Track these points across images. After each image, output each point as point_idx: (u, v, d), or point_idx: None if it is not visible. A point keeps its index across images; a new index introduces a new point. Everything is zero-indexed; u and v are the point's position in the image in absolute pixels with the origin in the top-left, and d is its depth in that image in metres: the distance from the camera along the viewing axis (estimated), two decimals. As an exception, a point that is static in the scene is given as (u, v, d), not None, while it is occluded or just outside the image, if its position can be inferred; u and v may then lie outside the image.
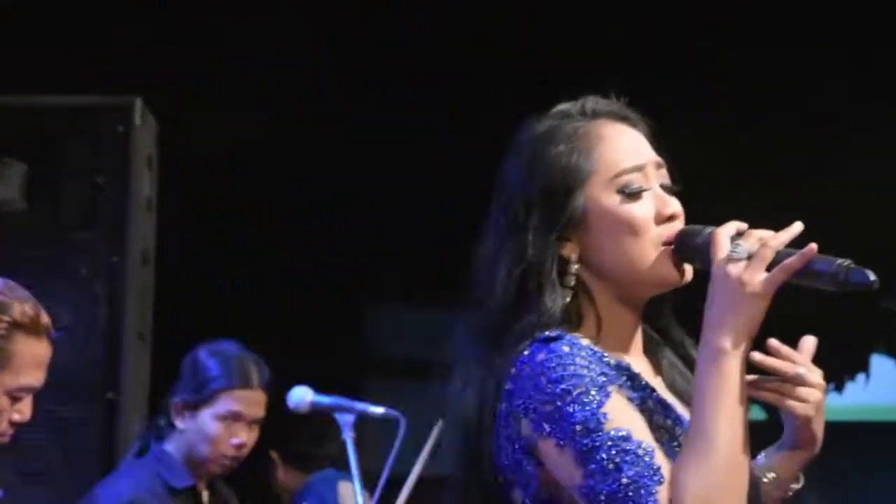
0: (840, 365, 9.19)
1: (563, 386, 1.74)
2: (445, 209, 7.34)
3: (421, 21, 6.16)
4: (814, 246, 1.75)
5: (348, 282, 7.35)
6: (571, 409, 1.73)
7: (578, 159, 1.86)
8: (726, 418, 1.72)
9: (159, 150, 4.39)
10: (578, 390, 1.74)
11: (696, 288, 1.86)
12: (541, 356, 1.77)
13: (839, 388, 9.87)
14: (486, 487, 1.83)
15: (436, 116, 6.50)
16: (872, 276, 1.72)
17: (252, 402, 3.43)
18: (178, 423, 3.41)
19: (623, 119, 1.93)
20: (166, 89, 4.66)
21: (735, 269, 1.76)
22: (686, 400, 1.89)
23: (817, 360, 1.92)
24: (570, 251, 1.86)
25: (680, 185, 1.92)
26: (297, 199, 6.64)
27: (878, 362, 10.28)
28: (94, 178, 4.20)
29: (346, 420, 3.53)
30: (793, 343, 1.88)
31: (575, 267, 1.85)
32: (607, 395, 1.75)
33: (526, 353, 1.79)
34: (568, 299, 1.84)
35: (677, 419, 1.85)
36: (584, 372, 1.76)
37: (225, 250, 6.27)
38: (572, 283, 1.85)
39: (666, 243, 1.86)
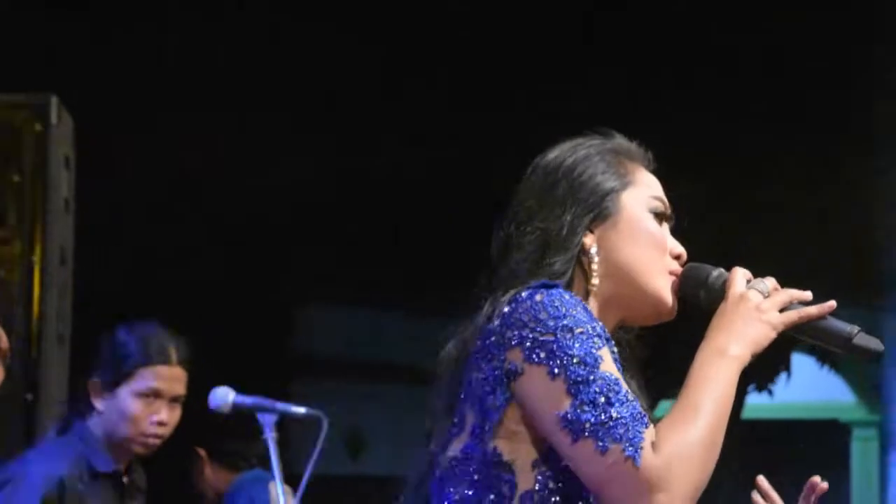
0: (762, 364, 9.27)
1: (565, 322, 1.80)
2: (376, 212, 7.34)
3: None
4: (833, 303, 1.86)
5: (277, 282, 7.31)
6: (571, 342, 1.79)
7: (619, 172, 1.98)
8: (713, 406, 1.80)
9: (76, 150, 4.33)
10: (580, 329, 1.80)
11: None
12: (539, 296, 1.83)
13: (761, 386, 9.99)
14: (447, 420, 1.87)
15: (374, 122, 6.49)
16: (881, 348, 1.82)
17: (172, 378, 3.40)
18: (97, 404, 3.37)
19: (648, 169, 2.04)
20: (82, 88, 4.60)
21: (755, 296, 1.87)
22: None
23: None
24: (592, 241, 1.94)
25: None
26: (224, 199, 6.59)
27: (799, 361, 10.43)
28: (10, 177, 4.12)
29: (268, 420, 3.53)
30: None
31: (593, 255, 1.93)
32: (604, 344, 1.82)
33: (523, 294, 1.84)
34: (583, 284, 1.92)
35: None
36: (584, 318, 1.83)
37: (149, 250, 6.21)
38: (594, 267, 1.93)
39: (672, 272, 1.96)
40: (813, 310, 1.87)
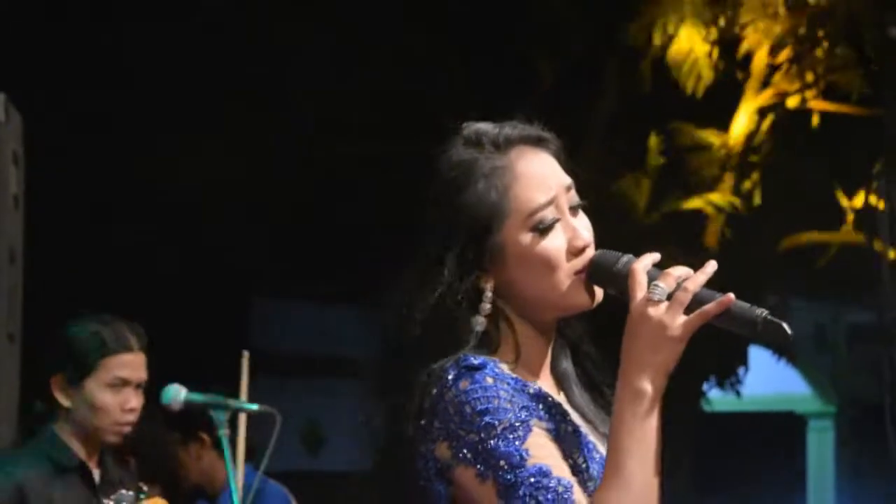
0: (720, 358, 9.34)
1: (487, 419, 1.80)
2: (331, 206, 7.33)
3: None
4: (731, 296, 1.82)
5: (232, 277, 7.28)
6: (495, 443, 1.79)
7: (495, 199, 1.92)
8: (640, 459, 1.80)
9: (25, 147, 4.28)
10: (502, 425, 1.79)
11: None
12: (464, 383, 1.82)
13: (720, 381, 10.04)
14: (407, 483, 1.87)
15: (329, 117, 6.46)
16: (789, 331, 1.79)
17: (135, 365, 3.41)
18: (63, 401, 3.36)
19: (537, 143, 1.98)
20: (31, 86, 4.56)
21: (655, 312, 1.83)
22: (583, 413, 1.98)
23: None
24: (486, 282, 1.92)
25: (589, 198, 1.98)
26: (178, 195, 6.55)
27: (755, 354, 10.50)
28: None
29: (220, 417, 3.53)
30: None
31: (489, 296, 1.92)
32: (529, 430, 1.81)
33: (450, 376, 1.84)
34: (482, 326, 1.91)
35: (587, 445, 1.91)
36: (508, 406, 1.81)
37: (101, 247, 6.16)
38: (487, 310, 1.91)
39: (578, 272, 1.93)
40: (711, 307, 1.81)
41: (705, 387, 9.70)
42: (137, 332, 3.45)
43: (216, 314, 7.23)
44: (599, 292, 1.93)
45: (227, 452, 3.51)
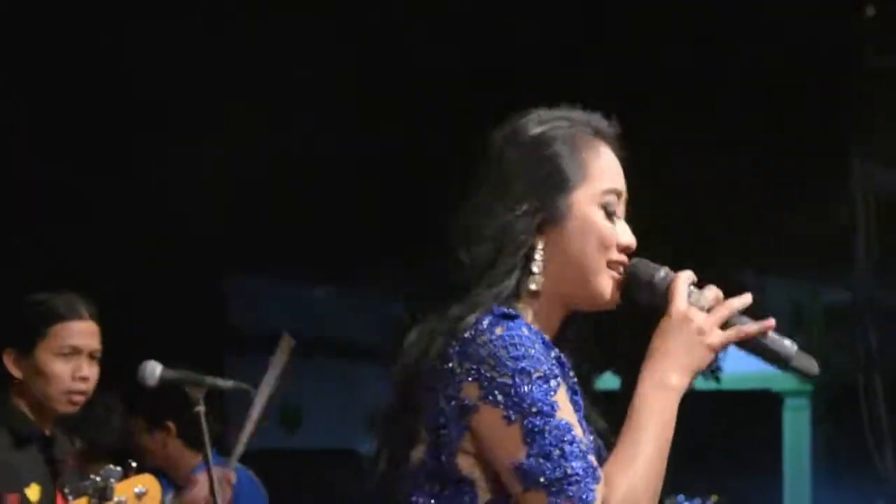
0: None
1: (523, 364, 1.83)
2: (308, 183, 7.31)
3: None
4: (772, 321, 1.92)
5: (208, 256, 7.26)
6: (528, 389, 1.82)
7: (575, 164, 1.99)
8: (656, 437, 1.87)
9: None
10: (538, 374, 1.83)
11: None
12: (499, 329, 1.85)
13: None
14: (405, 437, 1.91)
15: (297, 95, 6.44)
16: (816, 369, 1.90)
17: (86, 333, 3.40)
18: (16, 373, 3.35)
19: (613, 146, 2.06)
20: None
21: (698, 316, 1.91)
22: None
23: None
24: (540, 241, 1.97)
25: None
26: (157, 167, 6.52)
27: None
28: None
29: (196, 393, 3.53)
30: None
31: (540, 255, 1.96)
32: (558, 385, 1.85)
33: (485, 322, 1.86)
34: (538, 286, 1.95)
35: (583, 422, 1.93)
36: (542, 358, 1.85)
37: (77, 218, 6.13)
38: (540, 268, 1.96)
39: (616, 266, 1.99)
40: (752, 328, 1.92)
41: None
42: (88, 302, 3.43)
43: (193, 293, 7.21)
44: (617, 298, 1.99)
45: (205, 428, 3.51)
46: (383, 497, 1.94)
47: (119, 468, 3.12)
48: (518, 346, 1.83)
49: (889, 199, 6.48)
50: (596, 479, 1.79)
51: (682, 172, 7.50)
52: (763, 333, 1.92)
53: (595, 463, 1.82)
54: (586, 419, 1.98)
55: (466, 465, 1.85)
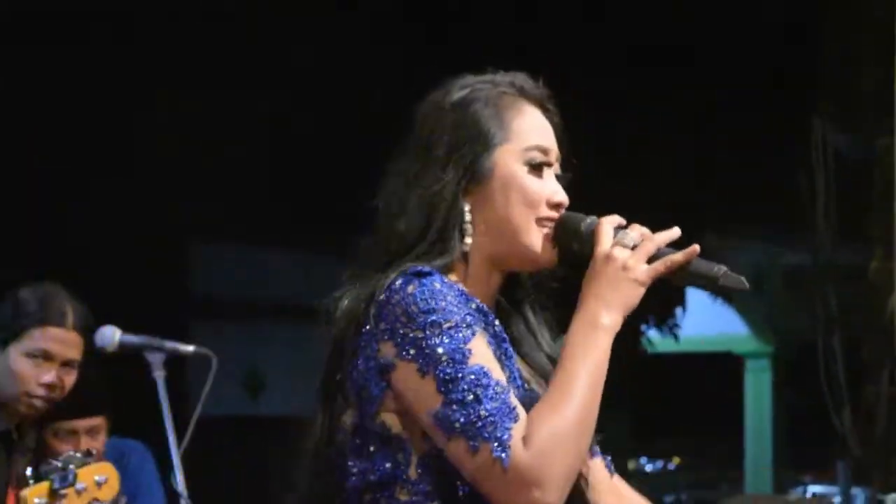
0: (658, 298, 9.43)
1: (433, 318, 1.82)
2: (271, 149, 7.29)
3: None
4: (697, 247, 1.89)
5: (170, 222, 7.23)
6: (439, 340, 1.81)
7: (497, 123, 1.97)
8: (587, 381, 1.83)
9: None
10: (448, 324, 1.82)
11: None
12: (411, 287, 1.85)
13: (659, 322, 10.13)
14: (337, 403, 1.91)
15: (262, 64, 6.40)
16: (746, 285, 1.87)
17: (63, 341, 3.33)
18: None
19: (542, 107, 2.03)
20: None
21: (621, 253, 1.89)
22: (535, 369, 2.00)
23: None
24: (466, 204, 1.96)
25: (569, 176, 2.03)
26: (118, 134, 6.48)
27: (693, 294, 10.60)
28: None
29: (156, 359, 3.49)
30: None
31: (468, 217, 1.95)
32: (473, 334, 1.84)
33: (398, 282, 1.86)
34: (468, 248, 1.95)
35: (514, 371, 1.92)
36: (455, 308, 1.84)
37: (37, 188, 6.10)
38: (469, 231, 1.95)
39: (545, 223, 1.97)
40: (678, 256, 1.89)
41: (643, 328, 9.80)
42: (77, 311, 3.37)
43: (154, 259, 7.18)
44: (555, 256, 1.97)
45: (164, 394, 3.47)
46: (322, 467, 1.93)
47: (79, 454, 3.08)
48: (429, 300, 1.83)
49: (848, 163, 6.52)
50: (513, 419, 1.78)
51: (643, 139, 7.53)
52: (689, 261, 1.89)
53: (514, 403, 1.80)
54: (536, 368, 1.98)
55: (395, 423, 1.85)
